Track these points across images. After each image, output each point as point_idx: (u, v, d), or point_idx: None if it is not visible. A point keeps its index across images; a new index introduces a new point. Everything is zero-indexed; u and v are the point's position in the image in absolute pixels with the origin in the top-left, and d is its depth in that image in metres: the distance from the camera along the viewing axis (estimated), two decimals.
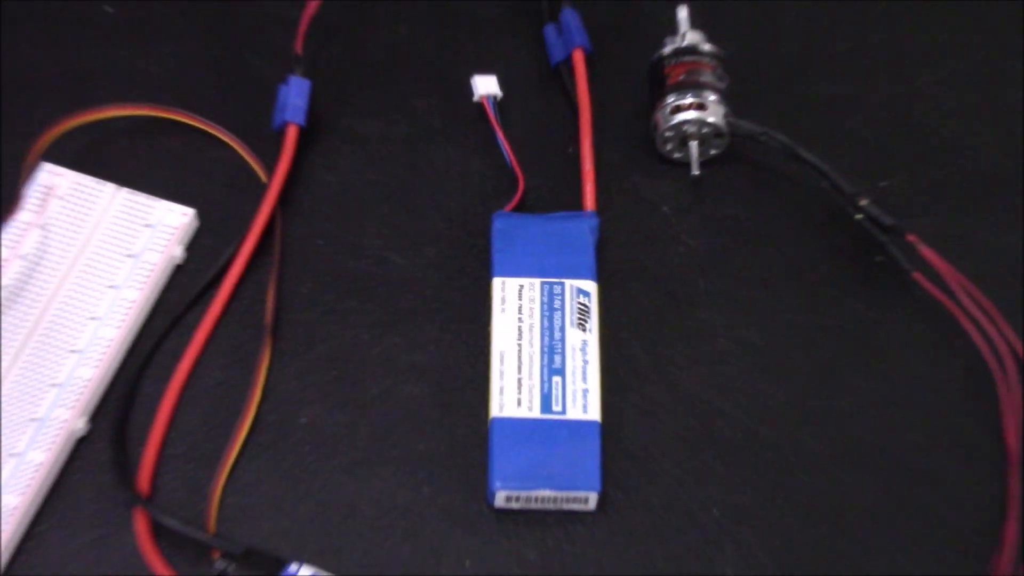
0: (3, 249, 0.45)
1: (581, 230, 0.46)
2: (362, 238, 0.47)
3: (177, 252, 0.46)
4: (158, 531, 0.40)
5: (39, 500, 0.41)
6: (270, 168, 0.47)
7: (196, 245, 0.47)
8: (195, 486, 0.41)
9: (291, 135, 0.48)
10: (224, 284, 0.45)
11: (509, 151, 0.48)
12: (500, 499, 0.41)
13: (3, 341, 0.43)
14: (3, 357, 0.43)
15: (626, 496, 0.42)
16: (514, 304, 0.44)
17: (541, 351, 0.43)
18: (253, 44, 0.52)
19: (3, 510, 0.40)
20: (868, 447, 0.43)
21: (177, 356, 0.44)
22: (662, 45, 0.50)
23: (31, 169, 0.46)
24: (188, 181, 0.48)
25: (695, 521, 0.42)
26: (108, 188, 0.46)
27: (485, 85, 0.50)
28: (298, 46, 0.49)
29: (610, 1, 0.54)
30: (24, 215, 0.45)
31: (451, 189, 0.49)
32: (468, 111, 0.50)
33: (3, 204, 0.45)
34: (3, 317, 0.43)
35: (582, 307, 0.44)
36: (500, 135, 0.49)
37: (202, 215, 0.47)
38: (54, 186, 0.46)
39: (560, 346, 0.43)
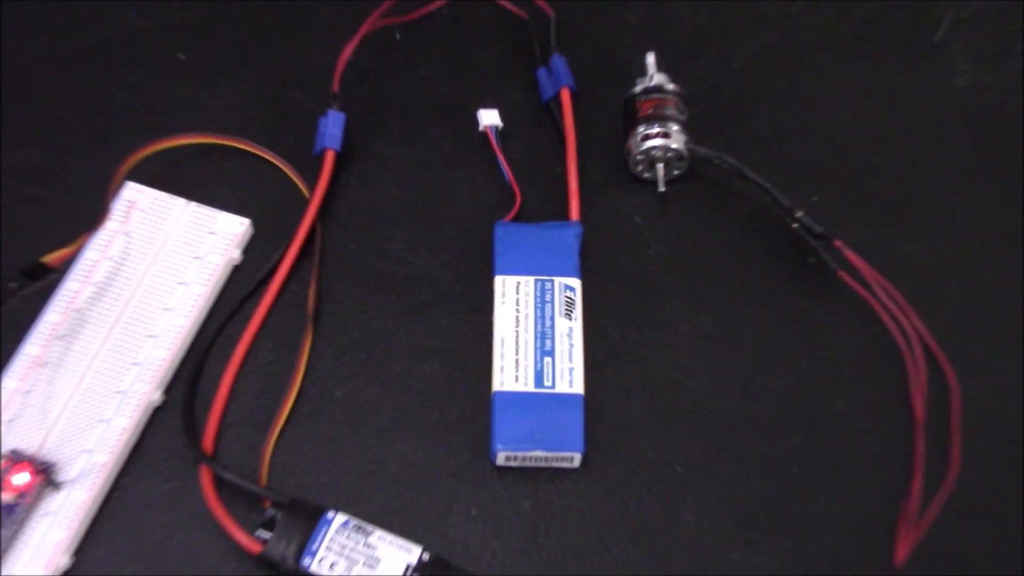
0: (94, 252, 0.44)
1: (567, 236, 0.46)
2: (387, 243, 0.47)
3: (235, 255, 0.46)
4: (219, 484, 0.40)
5: (123, 458, 0.41)
6: (312, 185, 0.47)
7: (251, 249, 0.46)
8: (250, 447, 0.41)
9: (329, 159, 0.48)
10: (274, 281, 0.45)
11: (508, 171, 0.48)
12: (501, 458, 0.41)
13: (94, 328, 0.43)
14: (93, 341, 0.42)
15: (604, 456, 0.42)
16: (512, 298, 0.44)
17: (534, 336, 0.43)
18: (298, 84, 0.51)
19: (94, 466, 0.40)
20: (802, 414, 0.43)
21: (235, 340, 0.44)
22: (634, 84, 0.50)
23: (117, 187, 0.46)
24: (245, 196, 0.48)
25: (661, 476, 0.42)
26: (179, 202, 0.46)
27: (488, 117, 0.50)
28: (335, 86, 0.49)
29: (591, 49, 0.53)
30: (111, 224, 0.45)
31: (460, 203, 0.49)
32: (474, 139, 0.50)
33: (95, 216, 0.45)
34: (94, 308, 0.43)
35: (568, 300, 0.44)
36: (501, 158, 0.49)
37: (256, 224, 0.47)
38: (136, 200, 0.46)
39: (550, 332, 0.43)
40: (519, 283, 0.44)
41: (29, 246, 0.44)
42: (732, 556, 0.40)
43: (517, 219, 0.47)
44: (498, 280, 0.45)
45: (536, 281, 0.44)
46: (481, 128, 0.50)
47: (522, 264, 0.45)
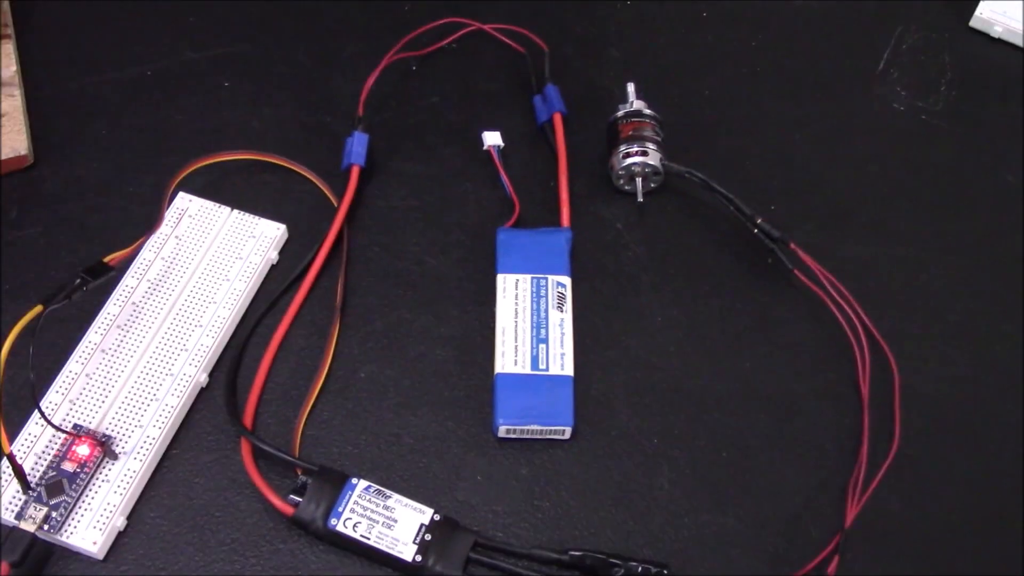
0: (149, 252, 0.42)
1: (559, 240, 0.44)
2: (406, 246, 0.45)
3: (273, 255, 0.43)
4: (257, 454, 0.38)
5: (172, 432, 0.39)
6: (340, 196, 0.45)
7: (286, 251, 0.44)
8: (284, 422, 0.40)
9: (354, 173, 0.46)
10: (306, 278, 0.43)
11: (509, 185, 0.46)
12: (502, 431, 0.39)
13: (148, 318, 0.40)
14: (147, 329, 0.40)
15: (591, 429, 0.40)
16: (512, 293, 0.42)
17: (531, 326, 0.41)
18: (328, 108, 0.49)
19: (147, 439, 0.37)
20: (763, 394, 0.42)
21: (272, 329, 0.42)
22: (617, 110, 0.48)
23: (170, 196, 0.44)
24: (281, 205, 0.45)
25: (640, 447, 0.40)
26: (224, 210, 0.44)
27: (492, 138, 0.48)
28: (360, 110, 0.47)
29: (580, 79, 0.52)
30: (164, 228, 0.43)
31: (468, 212, 0.47)
32: (479, 156, 0.48)
33: (150, 221, 0.43)
34: (148, 301, 0.41)
35: (560, 295, 0.42)
36: (502, 173, 0.47)
37: (291, 229, 0.45)
38: (186, 208, 0.44)
39: (545, 323, 0.41)
40: (518, 280, 0.43)
41: (95, 246, 0.43)
42: (702, 517, 0.38)
43: (516, 225, 0.45)
44: (500, 278, 0.43)
45: (532, 279, 0.43)
46: (485, 147, 0.48)
47: (520, 264, 0.43)
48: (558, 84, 0.50)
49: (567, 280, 0.43)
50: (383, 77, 0.49)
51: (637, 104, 0.48)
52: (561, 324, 0.41)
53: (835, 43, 0.55)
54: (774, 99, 0.52)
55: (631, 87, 0.49)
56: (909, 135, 0.51)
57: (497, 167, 0.47)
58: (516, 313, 0.42)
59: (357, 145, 0.46)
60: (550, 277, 0.43)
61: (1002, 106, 0.52)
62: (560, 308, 0.42)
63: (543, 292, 0.42)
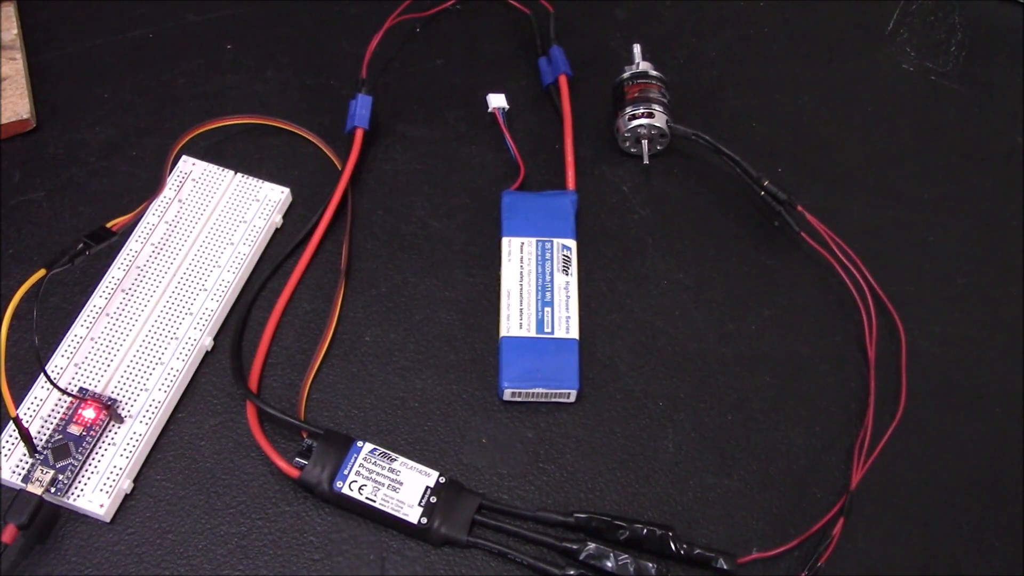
0: (153, 216, 0.41)
1: (564, 203, 0.43)
2: (410, 209, 0.44)
3: (277, 219, 0.42)
4: (262, 417, 0.37)
5: (178, 395, 0.38)
6: (344, 160, 0.44)
7: (291, 214, 0.43)
8: (290, 385, 0.38)
9: (358, 136, 0.44)
10: (311, 242, 0.42)
11: (513, 147, 0.45)
12: (507, 394, 0.38)
13: (152, 282, 0.39)
14: (152, 294, 0.39)
15: (596, 392, 0.39)
16: (517, 256, 0.41)
17: (536, 289, 0.40)
18: (332, 71, 0.48)
19: (152, 403, 0.36)
20: (767, 356, 0.40)
21: (277, 293, 0.40)
22: (622, 71, 0.47)
23: (173, 160, 0.42)
24: (285, 168, 0.44)
25: (645, 410, 0.39)
26: (228, 173, 0.43)
27: (496, 100, 0.46)
28: (363, 73, 0.46)
29: (586, 41, 0.50)
30: (168, 192, 0.42)
31: (473, 175, 0.45)
32: (484, 120, 0.47)
33: (154, 185, 0.41)
34: (152, 265, 0.40)
35: (565, 258, 0.41)
36: (507, 136, 0.45)
37: (295, 192, 0.43)
38: (190, 172, 0.43)
39: (550, 285, 0.40)
40: (523, 243, 0.41)
41: (98, 210, 0.42)
42: (707, 479, 0.37)
43: (521, 188, 0.44)
44: (505, 241, 0.42)
45: (538, 242, 0.41)
46: (490, 110, 0.46)
47: (526, 227, 0.42)
48: (563, 46, 0.48)
49: (572, 243, 0.42)
50: (387, 39, 0.47)
51: (643, 66, 0.47)
52: (567, 287, 0.40)
53: (844, 3, 0.53)
54: (781, 60, 0.50)
55: (637, 48, 0.48)
56: (918, 96, 0.49)
57: (502, 129, 0.45)
58: (521, 276, 0.40)
59: (361, 108, 0.45)
60: (555, 240, 0.41)
61: (1012, 68, 0.50)
62: (565, 271, 0.41)
63: (548, 255, 0.41)
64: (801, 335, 0.41)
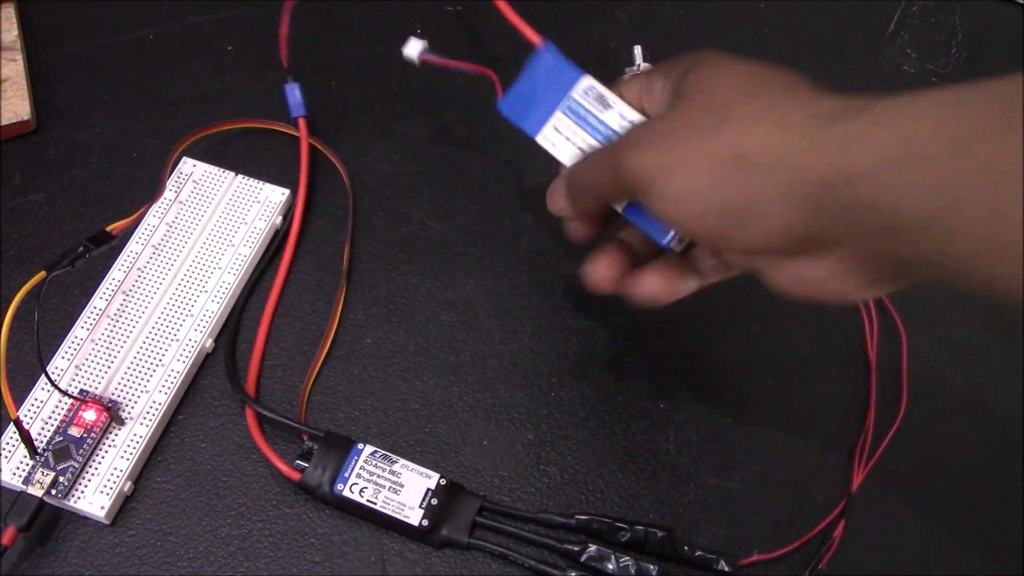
0: (153, 218, 0.41)
1: (547, 58, 0.36)
2: (411, 211, 0.44)
3: (278, 220, 0.42)
4: (262, 420, 0.37)
5: (179, 398, 0.37)
6: (344, 160, 0.44)
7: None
8: (291, 387, 0.38)
9: (302, 125, 0.44)
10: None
11: (467, 65, 0.39)
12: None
13: (153, 284, 0.39)
14: (153, 295, 0.39)
15: (599, 395, 0.39)
16: (562, 140, 0.36)
17: (600, 144, 0.35)
18: (334, 76, 0.47)
19: (153, 405, 0.36)
20: (770, 358, 0.40)
21: (277, 295, 0.40)
22: (624, 72, 0.46)
23: (174, 162, 0.42)
24: (285, 170, 0.44)
25: (647, 412, 0.39)
26: (228, 175, 0.42)
27: (413, 47, 0.39)
28: (284, 62, 0.46)
29: (586, 41, 0.50)
30: (169, 194, 0.42)
31: (472, 176, 0.45)
32: (485, 123, 0.46)
33: (154, 187, 0.41)
34: (153, 267, 0.40)
35: (597, 96, 0.35)
36: (452, 63, 0.39)
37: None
38: (190, 173, 0.42)
39: (608, 130, 0.35)
40: (555, 125, 0.36)
41: (99, 211, 0.42)
42: (708, 481, 0.37)
43: (505, 88, 0.38)
44: (540, 139, 0.36)
45: (564, 109, 0.36)
46: (416, 60, 0.39)
47: (541, 112, 0.36)
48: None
49: (588, 79, 0.36)
50: (387, 40, 0.47)
51: (644, 66, 0.46)
52: (621, 116, 0.35)
53: (844, 4, 0.52)
54: (782, 61, 0.49)
55: (638, 50, 0.47)
56: None
57: (440, 63, 0.39)
58: (580, 150, 0.35)
59: (290, 96, 0.44)
60: (574, 95, 0.36)
61: (1012, 69, 0.49)
62: (606, 106, 0.35)
63: (582, 111, 0.36)
64: (803, 336, 0.41)
